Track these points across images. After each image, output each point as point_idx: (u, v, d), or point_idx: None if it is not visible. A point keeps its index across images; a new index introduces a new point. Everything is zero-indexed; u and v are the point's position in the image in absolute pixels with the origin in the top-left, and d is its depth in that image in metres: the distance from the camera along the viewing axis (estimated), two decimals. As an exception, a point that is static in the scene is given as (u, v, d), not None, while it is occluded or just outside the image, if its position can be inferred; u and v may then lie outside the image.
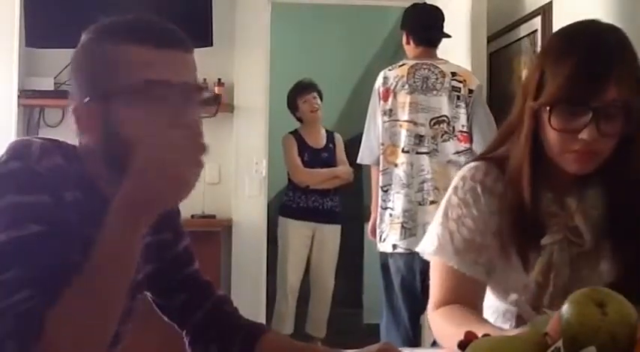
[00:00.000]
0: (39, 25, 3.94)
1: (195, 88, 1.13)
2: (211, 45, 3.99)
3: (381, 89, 3.34)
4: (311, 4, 5.41)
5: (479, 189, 1.44)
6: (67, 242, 1.03)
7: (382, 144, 3.31)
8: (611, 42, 1.30)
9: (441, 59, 3.44)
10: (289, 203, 4.56)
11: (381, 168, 3.32)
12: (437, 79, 3.32)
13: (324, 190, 4.55)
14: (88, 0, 4.01)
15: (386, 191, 3.30)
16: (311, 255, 4.64)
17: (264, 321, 4.08)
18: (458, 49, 3.85)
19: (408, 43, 3.48)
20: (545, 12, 3.32)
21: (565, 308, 0.93)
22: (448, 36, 3.51)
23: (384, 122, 3.31)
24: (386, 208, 3.30)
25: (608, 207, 1.39)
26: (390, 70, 3.38)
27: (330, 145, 4.68)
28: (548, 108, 1.30)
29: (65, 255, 1.02)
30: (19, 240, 0.99)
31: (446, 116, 3.29)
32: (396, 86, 3.31)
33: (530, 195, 1.36)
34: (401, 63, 3.40)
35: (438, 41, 3.48)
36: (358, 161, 3.49)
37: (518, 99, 1.40)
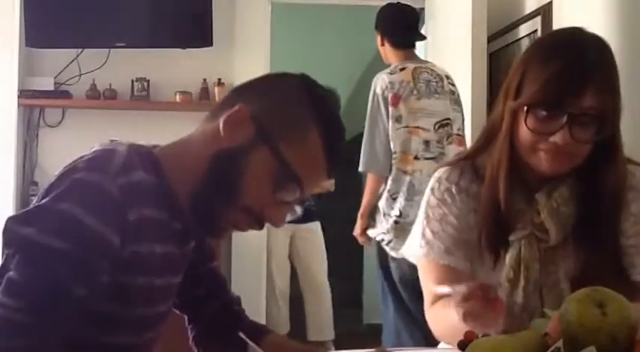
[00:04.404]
0: (39, 25, 3.94)
1: None
2: (211, 45, 3.99)
3: (390, 94, 3.24)
4: (311, 4, 5.41)
5: (454, 190, 1.48)
6: (89, 265, 0.99)
7: (394, 152, 3.22)
8: (593, 52, 1.35)
9: (429, 61, 3.48)
10: None
11: (392, 176, 3.23)
12: (437, 82, 3.33)
13: None
14: (88, 0, 4.02)
15: (395, 199, 3.23)
16: (297, 258, 4.63)
17: (264, 321, 4.08)
18: (458, 49, 3.85)
19: (383, 44, 3.49)
20: (545, 12, 3.32)
21: (565, 308, 0.93)
22: (425, 38, 3.61)
23: (396, 129, 3.22)
24: (391, 215, 3.24)
25: (576, 206, 1.42)
26: (391, 73, 3.31)
27: None
28: (525, 108, 1.34)
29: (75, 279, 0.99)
30: (47, 248, 0.97)
31: (449, 119, 3.30)
32: (404, 92, 3.25)
33: (505, 192, 1.40)
34: (400, 66, 3.34)
35: (416, 42, 3.53)
36: (362, 169, 3.33)
37: (499, 100, 1.43)
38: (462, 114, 3.41)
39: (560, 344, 0.90)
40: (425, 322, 1.51)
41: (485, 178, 1.44)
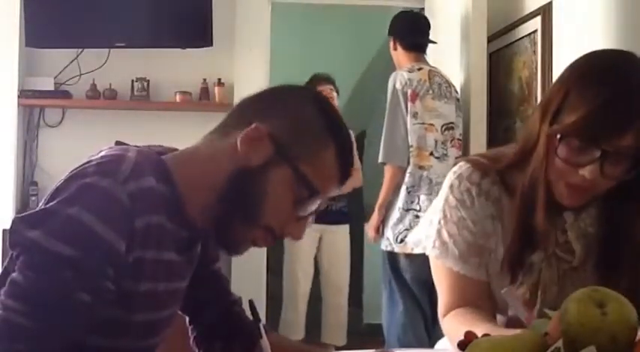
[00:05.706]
0: (39, 25, 3.94)
1: None
2: (211, 45, 3.99)
3: (409, 90, 3.40)
4: (311, 4, 5.40)
5: (474, 192, 1.43)
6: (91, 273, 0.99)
7: (411, 146, 3.38)
8: (638, 86, 1.26)
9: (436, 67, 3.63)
10: None
11: (409, 170, 3.37)
12: (446, 87, 3.52)
13: None
14: (88, 0, 4.03)
15: (410, 193, 3.36)
16: (321, 259, 4.54)
17: (263, 320, 4.05)
18: (458, 49, 3.85)
19: (395, 48, 3.62)
20: (545, 12, 3.32)
21: (565, 308, 0.93)
22: (435, 42, 3.72)
23: (412, 124, 3.39)
24: (409, 210, 3.35)
25: (601, 228, 1.38)
26: (409, 71, 3.46)
27: None
28: (558, 136, 1.28)
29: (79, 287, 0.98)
30: (55, 254, 0.96)
31: (453, 123, 3.50)
32: (421, 90, 3.42)
33: (543, 219, 1.34)
34: (417, 66, 3.50)
35: (427, 47, 3.69)
36: (383, 160, 3.44)
37: (535, 116, 1.36)
38: (462, 121, 3.59)
39: (560, 344, 0.90)
40: (434, 319, 1.50)
41: (516, 196, 1.38)
